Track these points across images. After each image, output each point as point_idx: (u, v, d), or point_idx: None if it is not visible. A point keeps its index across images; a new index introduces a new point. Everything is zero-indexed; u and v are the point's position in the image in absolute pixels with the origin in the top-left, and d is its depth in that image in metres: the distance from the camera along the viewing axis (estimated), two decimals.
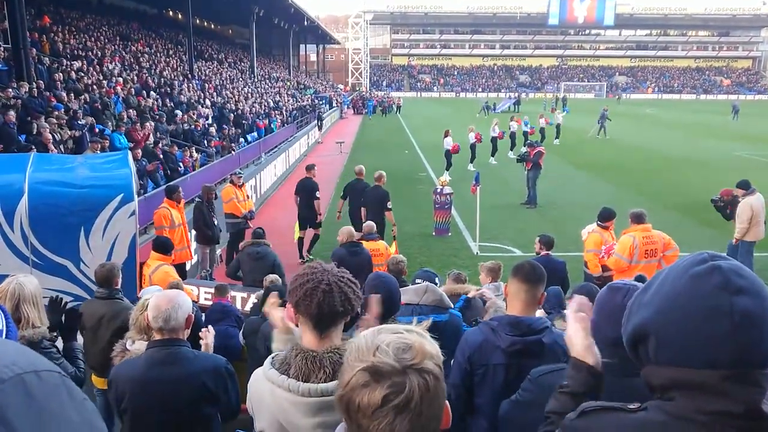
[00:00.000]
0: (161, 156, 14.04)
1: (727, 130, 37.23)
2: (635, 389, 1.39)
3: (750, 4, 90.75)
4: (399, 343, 1.15)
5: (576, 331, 1.67)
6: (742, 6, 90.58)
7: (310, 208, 11.05)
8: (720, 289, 1.07)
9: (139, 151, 12.77)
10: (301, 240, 11.13)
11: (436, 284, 4.56)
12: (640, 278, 5.51)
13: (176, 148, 14.83)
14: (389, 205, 10.29)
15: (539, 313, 4.77)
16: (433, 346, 1.19)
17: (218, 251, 10.46)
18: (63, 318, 3.33)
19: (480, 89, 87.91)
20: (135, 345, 3.44)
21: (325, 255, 11.09)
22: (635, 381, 1.79)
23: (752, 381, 1.07)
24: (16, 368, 0.74)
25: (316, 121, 34.48)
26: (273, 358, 2.00)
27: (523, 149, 16.81)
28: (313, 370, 1.84)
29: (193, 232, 9.89)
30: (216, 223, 9.89)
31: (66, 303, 3.47)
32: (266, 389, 1.92)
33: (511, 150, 24.24)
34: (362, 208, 10.38)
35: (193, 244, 9.86)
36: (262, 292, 5.39)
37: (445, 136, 19.89)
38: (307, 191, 11.12)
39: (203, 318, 5.32)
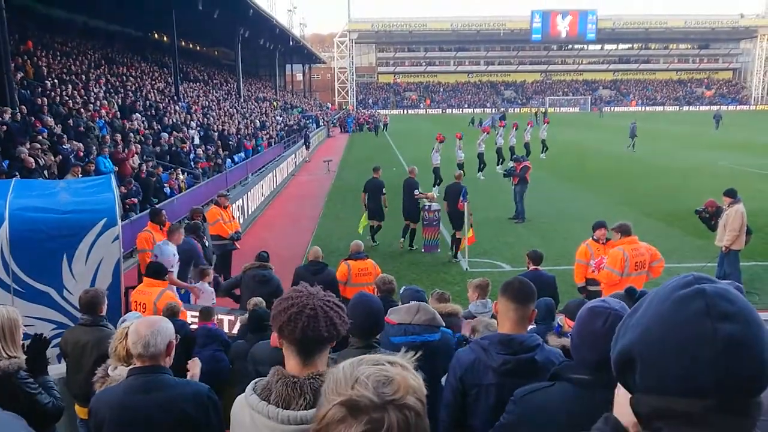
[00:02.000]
0: (153, 178, 13.97)
1: (710, 140, 37.65)
2: (609, 403, 1.32)
3: (728, 17, 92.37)
4: (380, 376, 1.08)
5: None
6: (720, 19, 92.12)
7: (377, 203, 13.12)
8: (703, 315, 1.02)
9: (130, 177, 12.75)
10: (371, 228, 13.40)
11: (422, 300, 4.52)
12: (630, 291, 5.50)
13: (161, 169, 14.72)
14: (467, 196, 12.21)
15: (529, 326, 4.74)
16: (416, 380, 1.12)
17: None
18: (33, 355, 3.23)
19: (466, 105, 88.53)
20: (117, 371, 3.36)
21: (386, 240, 13.51)
22: (609, 394, 1.74)
23: (739, 410, 1.02)
24: None
25: (303, 141, 34.51)
26: (256, 383, 1.94)
27: (510, 164, 16.88)
28: (293, 396, 1.78)
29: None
30: (208, 245, 9.82)
31: (47, 339, 3.37)
32: (247, 415, 1.87)
33: (499, 165, 24.35)
34: (444, 201, 12.66)
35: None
36: (247, 315, 5.31)
37: (433, 150, 19.98)
38: (375, 189, 13.21)
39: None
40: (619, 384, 1.51)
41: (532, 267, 7.14)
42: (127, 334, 2.97)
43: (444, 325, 4.17)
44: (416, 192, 13.05)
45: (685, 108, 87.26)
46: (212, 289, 8.02)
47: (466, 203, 12.06)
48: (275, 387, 1.83)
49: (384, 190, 13.28)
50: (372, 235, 13.46)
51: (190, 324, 6.13)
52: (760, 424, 1.05)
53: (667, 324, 1.05)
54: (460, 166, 21.36)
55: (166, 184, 14.69)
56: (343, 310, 1.91)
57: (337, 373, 1.12)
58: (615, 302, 2.19)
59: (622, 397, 1.41)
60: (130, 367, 2.91)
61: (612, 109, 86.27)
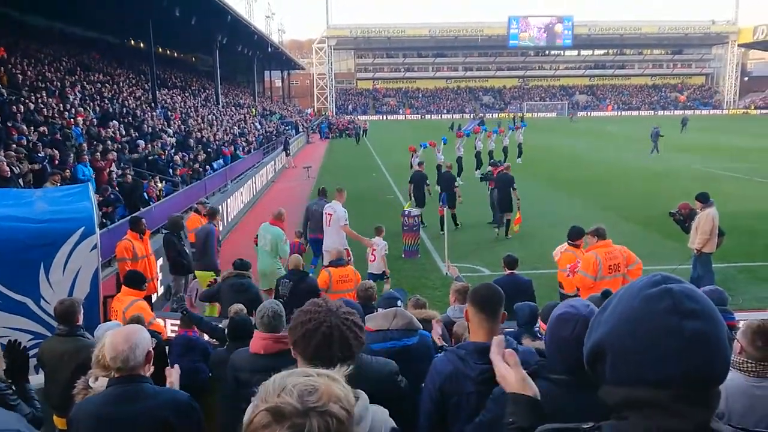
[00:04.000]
0: (145, 181, 13.88)
1: (684, 144, 38.25)
2: (588, 404, 1.40)
3: (700, 23, 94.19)
4: (306, 385, 1.15)
5: (507, 368, 1.69)
6: (693, 25, 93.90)
7: (421, 192, 15.34)
8: (670, 313, 1.10)
9: (106, 185, 12.66)
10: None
11: (399, 306, 4.56)
12: (606, 293, 5.60)
13: (130, 178, 14.50)
14: (515, 185, 14.42)
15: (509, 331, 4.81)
16: (343, 391, 1.19)
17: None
18: (12, 360, 3.21)
19: (445, 111, 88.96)
20: (98, 382, 3.35)
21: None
22: (588, 396, 1.81)
23: (701, 399, 1.10)
24: None
25: (282, 147, 34.42)
26: None
27: (488, 169, 17.05)
28: None
29: (160, 262, 9.75)
30: (188, 252, 9.79)
31: (24, 346, 3.35)
32: None
33: (477, 169, 24.53)
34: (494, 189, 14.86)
35: (160, 276, 9.71)
36: (228, 321, 5.30)
37: (413, 155, 20.14)
38: (420, 180, 15.51)
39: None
40: (493, 356, 1.74)
41: (507, 271, 7.23)
42: None
43: (421, 327, 4.22)
44: (457, 183, 15.66)
45: (660, 112, 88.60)
46: (385, 243, 9.90)
47: (445, 208, 12.19)
48: None
49: (428, 182, 15.51)
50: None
51: (159, 333, 6.08)
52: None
53: (636, 320, 1.12)
54: (439, 168, 21.57)
55: (145, 192, 14.56)
56: (361, 330, 1.90)
57: (268, 383, 1.18)
58: (583, 306, 2.23)
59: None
60: (110, 377, 2.90)
61: (589, 113, 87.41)
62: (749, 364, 2.91)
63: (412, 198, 15.41)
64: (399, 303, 4.74)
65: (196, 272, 9.63)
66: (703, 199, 9.93)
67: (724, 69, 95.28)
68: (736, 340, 2.95)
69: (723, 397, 2.86)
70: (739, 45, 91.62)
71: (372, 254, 9.76)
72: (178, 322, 6.20)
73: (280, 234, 9.35)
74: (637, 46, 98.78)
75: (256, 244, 9.65)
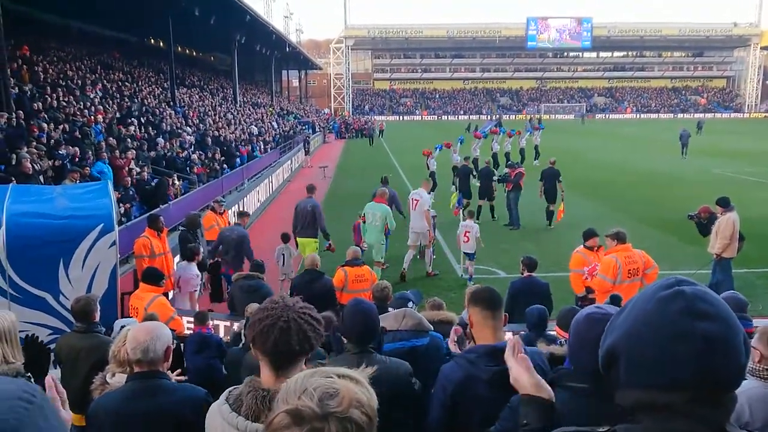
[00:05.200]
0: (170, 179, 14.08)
1: (703, 148, 37.78)
2: (608, 413, 1.40)
3: (722, 25, 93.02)
4: (327, 388, 1.14)
5: (520, 372, 1.72)
6: (714, 27, 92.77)
7: (467, 185, 16.75)
8: (683, 314, 1.09)
9: (128, 179, 12.83)
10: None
11: (410, 306, 4.56)
12: (614, 298, 5.57)
13: (145, 176, 14.66)
14: (560, 178, 15.45)
15: (518, 332, 4.78)
16: (365, 395, 1.17)
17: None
18: (33, 355, 3.26)
19: (462, 112, 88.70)
20: (115, 378, 3.39)
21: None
22: (609, 405, 1.80)
23: (716, 402, 1.09)
24: None
25: (303, 145, 34.67)
26: (230, 392, 1.96)
27: (505, 170, 16.99)
28: (262, 409, 1.79)
29: (177, 259, 9.82)
30: (203, 250, 9.85)
31: (42, 341, 3.40)
32: (218, 424, 1.89)
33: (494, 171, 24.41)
34: (540, 182, 15.99)
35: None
36: (244, 321, 5.33)
37: (428, 157, 20.07)
38: (464, 174, 16.96)
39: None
40: (508, 358, 1.78)
41: (526, 273, 7.18)
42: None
43: (432, 329, 4.21)
44: (494, 178, 16.67)
45: (680, 116, 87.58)
46: (477, 226, 11.14)
47: (461, 209, 12.16)
48: (246, 399, 1.85)
49: (473, 174, 17.16)
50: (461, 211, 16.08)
51: (174, 330, 6.14)
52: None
53: (649, 323, 1.12)
54: (454, 170, 21.50)
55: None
56: (320, 323, 1.91)
57: (290, 383, 1.18)
58: (610, 307, 2.23)
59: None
60: (129, 373, 2.94)
61: (607, 116, 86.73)
62: None
63: (458, 191, 16.09)
64: (410, 304, 4.74)
65: (299, 239, 10.91)
66: (724, 203, 9.80)
67: (746, 72, 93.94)
68: (754, 348, 2.92)
69: (745, 406, 2.82)
70: (761, 48, 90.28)
71: (465, 236, 10.89)
72: (192, 319, 6.25)
73: (387, 209, 11.01)
74: (657, 48, 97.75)
75: (363, 222, 11.16)
